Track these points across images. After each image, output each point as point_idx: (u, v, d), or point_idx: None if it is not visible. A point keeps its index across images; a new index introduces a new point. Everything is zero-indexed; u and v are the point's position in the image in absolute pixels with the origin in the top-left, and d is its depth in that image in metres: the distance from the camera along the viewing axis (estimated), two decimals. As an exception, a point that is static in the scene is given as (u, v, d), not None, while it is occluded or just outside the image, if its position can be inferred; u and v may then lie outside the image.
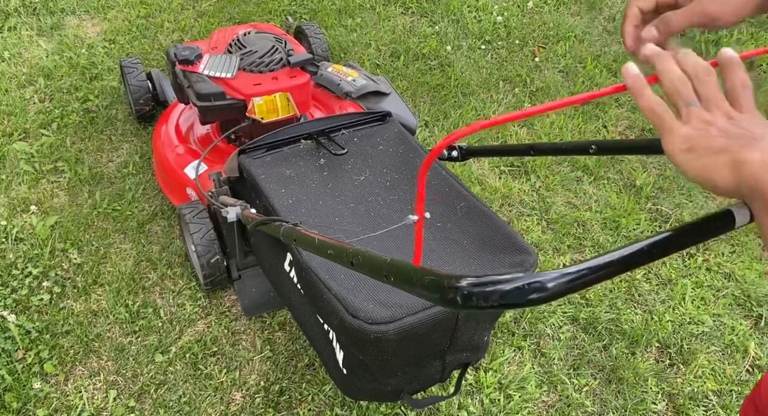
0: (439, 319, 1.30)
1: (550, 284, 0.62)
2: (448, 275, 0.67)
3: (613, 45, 3.39)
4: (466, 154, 1.84)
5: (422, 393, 1.83)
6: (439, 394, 1.87)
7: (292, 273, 1.55)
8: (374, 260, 0.84)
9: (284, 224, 1.24)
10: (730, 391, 1.98)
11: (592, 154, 1.42)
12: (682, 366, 2.03)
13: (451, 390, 1.87)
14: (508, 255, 1.42)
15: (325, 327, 1.47)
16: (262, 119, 2.03)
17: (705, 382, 1.99)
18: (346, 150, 1.72)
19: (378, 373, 1.40)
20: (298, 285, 1.52)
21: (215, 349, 1.97)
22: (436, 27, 3.40)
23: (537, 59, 3.24)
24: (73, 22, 3.27)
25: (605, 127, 2.90)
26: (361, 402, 1.85)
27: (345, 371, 1.46)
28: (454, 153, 1.84)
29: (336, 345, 1.45)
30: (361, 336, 1.25)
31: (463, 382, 1.91)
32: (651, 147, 1.39)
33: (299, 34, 2.87)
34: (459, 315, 1.34)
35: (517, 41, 3.34)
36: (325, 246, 1.01)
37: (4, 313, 1.96)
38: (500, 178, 2.60)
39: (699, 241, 0.70)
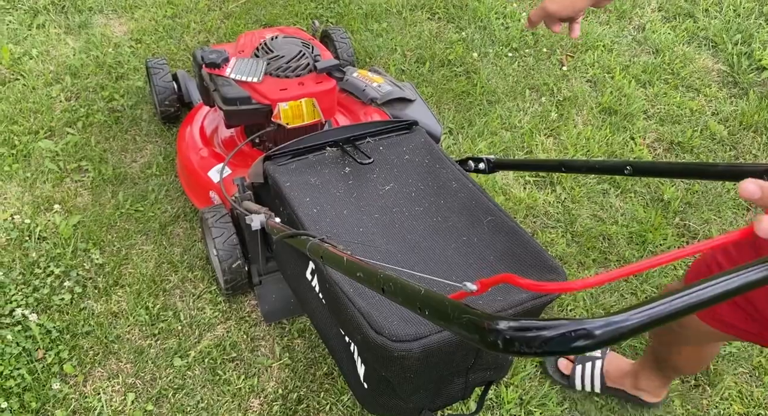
0: None
1: (597, 332, 0.59)
2: (488, 316, 0.64)
3: (642, 55, 3.34)
4: (494, 167, 1.80)
5: (443, 410, 1.81)
6: (461, 411, 1.84)
7: (314, 282, 1.53)
8: (407, 289, 0.81)
9: (311, 238, 1.21)
10: (758, 415, 1.93)
11: (626, 175, 1.38)
12: (708, 388, 1.98)
13: (472, 405, 1.85)
14: (535, 274, 1.38)
15: (347, 339, 1.44)
16: (287, 124, 2.01)
17: (731, 404, 1.95)
18: (371, 159, 1.70)
19: (400, 389, 1.38)
20: (320, 295, 1.50)
21: (234, 355, 1.96)
22: (463, 33, 3.37)
23: (565, 68, 3.20)
24: (101, 20, 3.29)
25: (633, 139, 2.85)
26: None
27: (366, 385, 1.44)
28: (482, 165, 1.80)
29: (357, 359, 1.43)
30: (384, 353, 1.22)
31: (484, 397, 1.88)
32: (689, 171, 1.34)
33: (325, 39, 2.85)
34: None
35: (544, 49, 3.30)
36: (354, 268, 0.98)
37: (26, 312, 1.97)
38: (525, 188, 2.57)
39: (749, 289, 0.67)
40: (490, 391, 1.90)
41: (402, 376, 1.32)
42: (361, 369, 1.42)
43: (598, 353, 1.93)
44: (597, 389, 1.91)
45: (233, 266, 1.94)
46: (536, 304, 1.34)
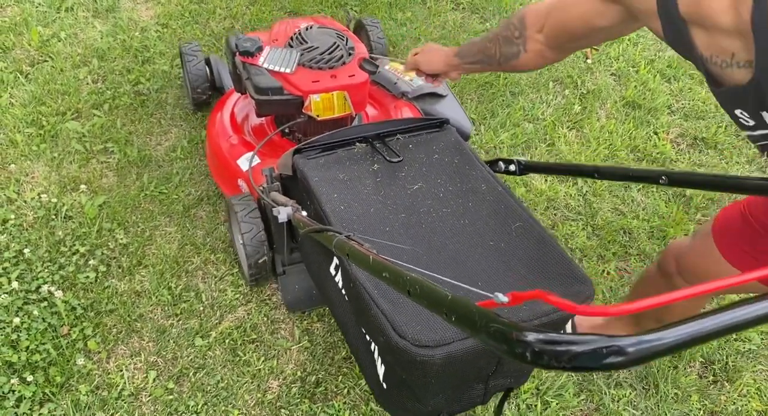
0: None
1: (630, 349, 0.58)
2: (516, 326, 0.64)
3: (667, 50, 3.31)
4: (525, 169, 1.75)
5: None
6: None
7: (338, 278, 1.52)
8: (434, 293, 0.80)
9: (338, 235, 1.20)
10: (776, 412, 1.92)
11: (662, 184, 1.36)
12: (726, 384, 1.98)
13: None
14: (562, 284, 1.36)
15: (368, 337, 1.43)
16: (317, 116, 2.01)
17: (750, 401, 1.94)
18: (401, 158, 1.67)
19: (419, 393, 1.35)
20: (343, 291, 1.49)
21: (254, 336, 1.98)
22: (487, 24, 3.36)
23: (589, 61, 3.18)
24: (128, 5, 3.32)
25: (656, 133, 2.84)
26: (397, 399, 1.84)
27: (385, 385, 1.43)
28: (512, 167, 1.76)
29: (378, 359, 1.42)
30: (406, 357, 1.21)
31: (501, 385, 1.89)
32: (727, 185, 1.33)
33: (359, 29, 2.84)
34: None
35: (569, 42, 3.28)
36: (381, 268, 0.97)
37: (52, 289, 2.00)
38: (546, 180, 2.56)
39: None
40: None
41: (422, 380, 1.30)
42: (381, 369, 1.41)
43: None
44: None
45: (260, 262, 1.95)
46: (562, 315, 1.33)
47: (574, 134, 2.79)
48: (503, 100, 2.91)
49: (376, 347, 1.40)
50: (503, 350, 0.65)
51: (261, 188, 1.79)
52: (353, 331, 1.52)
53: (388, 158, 1.67)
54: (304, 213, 1.56)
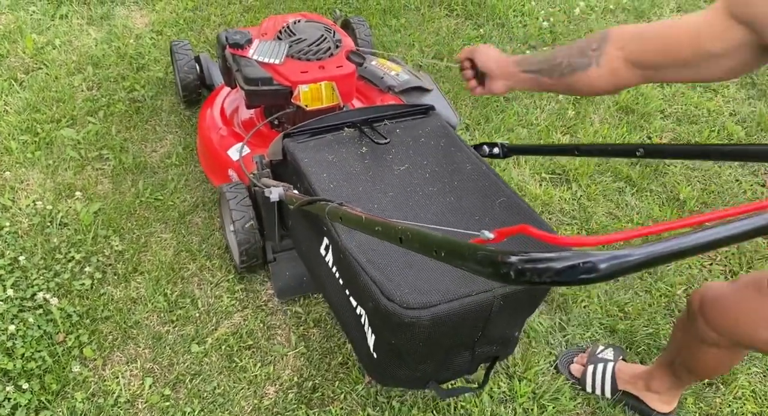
0: (472, 309, 1.31)
1: (602, 265, 0.64)
2: (502, 251, 0.70)
3: (660, 55, 3.33)
4: (508, 151, 1.85)
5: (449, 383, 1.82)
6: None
7: (328, 257, 1.57)
8: (424, 236, 0.86)
9: (329, 203, 1.26)
10: (771, 414, 1.93)
11: (638, 157, 1.41)
12: (721, 386, 1.98)
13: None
14: (543, 248, 1.41)
15: (358, 311, 1.48)
16: (306, 106, 2.05)
17: (745, 404, 1.95)
18: (388, 140, 1.74)
19: (408, 358, 1.41)
20: (333, 268, 1.55)
21: (250, 342, 1.98)
22: (481, 30, 3.38)
23: (582, 66, 3.20)
24: (123, 12, 3.33)
25: (649, 138, 2.85)
26: (393, 403, 1.85)
27: (375, 355, 1.47)
28: (496, 150, 1.85)
29: (368, 330, 1.47)
30: (395, 320, 1.27)
31: (497, 390, 1.90)
32: (701, 152, 1.37)
33: (345, 28, 2.87)
34: (493, 307, 1.34)
35: (562, 47, 3.30)
36: (373, 223, 1.03)
37: (47, 296, 2.00)
38: (541, 185, 2.57)
39: (745, 239, 0.71)
40: (503, 384, 1.92)
41: (411, 344, 1.35)
42: (371, 340, 1.46)
43: (610, 355, 1.94)
44: (608, 392, 1.90)
45: (250, 250, 1.99)
46: None
47: (568, 139, 2.80)
48: (497, 106, 2.92)
49: (366, 316, 1.44)
50: (489, 273, 0.71)
51: (252, 173, 1.83)
52: (344, 308, 1.56)
53: (375, 141, 1.73)
54: (295, 192, 1.60)
